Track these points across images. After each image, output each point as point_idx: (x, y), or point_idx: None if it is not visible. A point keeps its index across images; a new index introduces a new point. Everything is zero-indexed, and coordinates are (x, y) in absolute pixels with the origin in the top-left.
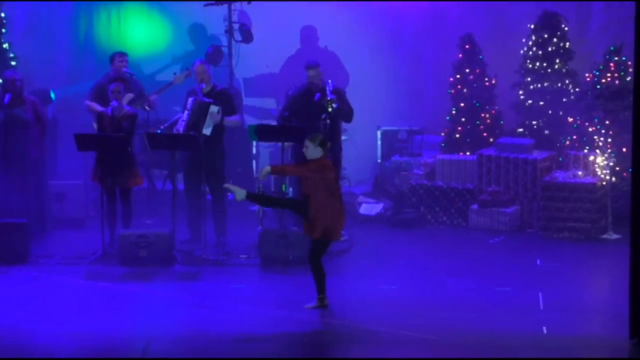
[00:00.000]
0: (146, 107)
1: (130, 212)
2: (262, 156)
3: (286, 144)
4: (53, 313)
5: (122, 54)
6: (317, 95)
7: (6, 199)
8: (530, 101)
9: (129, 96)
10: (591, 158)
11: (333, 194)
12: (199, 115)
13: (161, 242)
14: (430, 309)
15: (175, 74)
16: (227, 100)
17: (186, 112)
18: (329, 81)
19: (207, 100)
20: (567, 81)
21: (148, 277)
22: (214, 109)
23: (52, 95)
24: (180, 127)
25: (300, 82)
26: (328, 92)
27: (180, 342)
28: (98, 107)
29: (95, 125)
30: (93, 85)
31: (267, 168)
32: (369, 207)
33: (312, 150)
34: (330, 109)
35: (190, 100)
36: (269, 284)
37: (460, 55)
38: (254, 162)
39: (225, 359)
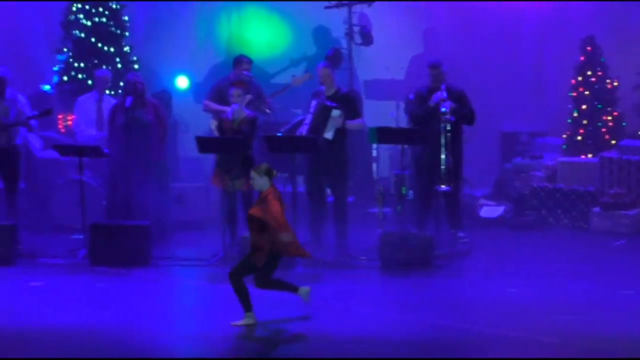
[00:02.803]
0: (266, 110)
1: None
2: (382, 159)
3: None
4: (174, 315)
5: (249, 61)
6: (435, 97)
7: (128, 202)
8: None
9: (247, 97)
10: None
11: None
12: (321, 119)
13: None
14: (551, 311)
15: (293, 76)
16: (350, 103)
17: (309, 115)
18: (441, 91)
19: (330, 104)
20: None
21: None
22: (335, 113)
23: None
24: (303, 130)
25: (420, 85)
26: (437, 98)
27: (303, 344)
28: (216, 106)
29: (213, 124)
30: (212, 86)
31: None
32: (490, 210)
33: (259, 181)
34: (444, 119)
35: (313, 103)
36: (389, 286)
37: (582, 58)
38: (374, 164)
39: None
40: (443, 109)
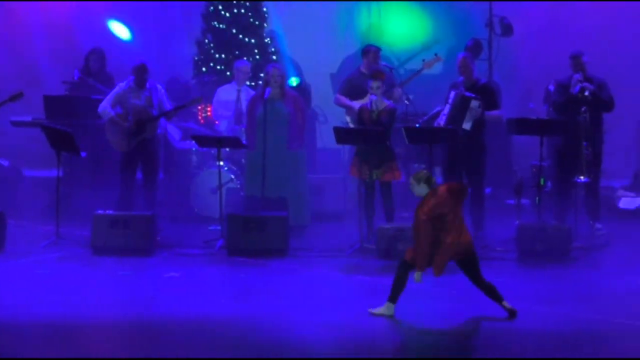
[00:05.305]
0: (405, 101)
1: (391, 206)
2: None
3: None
4: (311, 306)
5: (377, 50)
6: (577, 87)
7: (266, 192)
8: None
9: (396, 91)
10: None
11: (440, 227)
12: (459, 110)
13: None
14: None
15: (423, 60)
16: (489, 94)
17: (447, 105)
18: (578, 74)
19: (469, 94)
20: None
21: None
22: (474, 103)
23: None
24: (441, 121)
25: (561, 76)
26: (575, 80)
27: (442, 336)
28: (347, 102)
29: (347, 119)
30: (344, 79)
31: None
32: (629, 201)
33: (417, 189)
34: (582, 95)
35: (452, 93)
36: (525, 278)
37: None
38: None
39: (486, 359)
40: (587, 93)
